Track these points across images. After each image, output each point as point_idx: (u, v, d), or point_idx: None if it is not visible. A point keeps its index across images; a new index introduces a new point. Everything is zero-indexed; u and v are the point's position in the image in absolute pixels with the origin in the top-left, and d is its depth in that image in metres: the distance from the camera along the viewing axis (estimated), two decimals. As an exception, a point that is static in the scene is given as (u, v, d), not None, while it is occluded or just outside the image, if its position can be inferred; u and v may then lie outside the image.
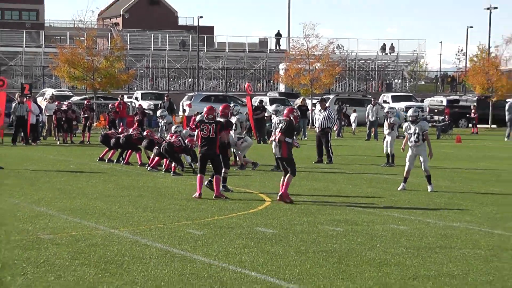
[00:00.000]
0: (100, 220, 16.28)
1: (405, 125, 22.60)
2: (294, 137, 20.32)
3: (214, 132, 20.10)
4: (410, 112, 22.81)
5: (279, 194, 19.26)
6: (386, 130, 30.26)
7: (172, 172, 25.25)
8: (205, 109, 20.68)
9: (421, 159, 21.86)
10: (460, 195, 21.26)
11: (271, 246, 13.77)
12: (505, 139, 48.84)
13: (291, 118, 19.99)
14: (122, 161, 29.12)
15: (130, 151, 29.08)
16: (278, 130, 19.84)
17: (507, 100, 67.17)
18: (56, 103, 44.87)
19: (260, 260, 12.61)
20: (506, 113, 50.47)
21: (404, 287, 11.05)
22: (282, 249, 13.52)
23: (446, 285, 11.19)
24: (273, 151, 20.79)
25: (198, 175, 20.26)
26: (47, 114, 43.54)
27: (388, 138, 29.76)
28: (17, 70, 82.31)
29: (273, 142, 20.96)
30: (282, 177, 19.48)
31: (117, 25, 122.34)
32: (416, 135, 21.90)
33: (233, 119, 26.46)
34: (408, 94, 73.91)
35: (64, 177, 24.98)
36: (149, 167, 26.77)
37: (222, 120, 21.00)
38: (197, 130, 21.26)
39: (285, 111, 20.50)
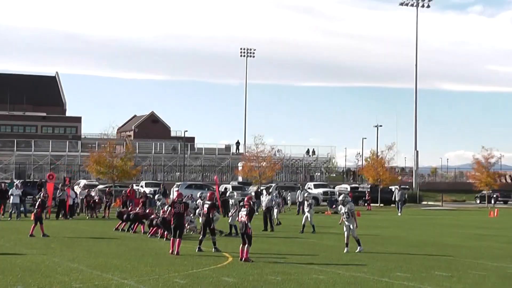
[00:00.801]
0: (115, 273, 15.91)
1: (339, 206, 22.38)
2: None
3: (183, 209, 20.72)
4: (341, 197, 22.60)
5: (244, 258, 18.66)
6: (306, 208, 30.13)
7: (165, 238, 24.84)
8: (175, 194, 20.93)
9: (351, 228, 21.60)
10: (360, 253, 21.08)
11: (232, 291, 13.50)
12: (399, 214, 48.92)
13: (251, 203, 19.76)
14: (131, 230, 28.67)
15: (137, 223, 28.66)
16: (244, 213, 19.19)
17: (390, 187, 67.72)
18: (86, 190, 44.40)
19: (224, 302, 12.33)
20: (396, 196, 51.24)
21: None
22: (239, 293, 13.25)
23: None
24: (238, 226, 20.31)
25: (171, 238, 20.63)
26: (80, 197, 43.03)
27: (308, 214, 29.65)
28: (61, 167, 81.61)
29: (237, 219, 20.53)
30: (241, 245, 18.83)
31: (130, 136, 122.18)
32: (346, 213, 21.70)
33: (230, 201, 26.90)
34: (324, 183, 74.01)
35: (91, 241, 24.54)
36: (149, 235, 26.38)
37: (209, 202, 21.26)
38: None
39: (246, 198, 20.16)
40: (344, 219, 21.79)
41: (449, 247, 23.69)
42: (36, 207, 26.85)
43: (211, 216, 21.05)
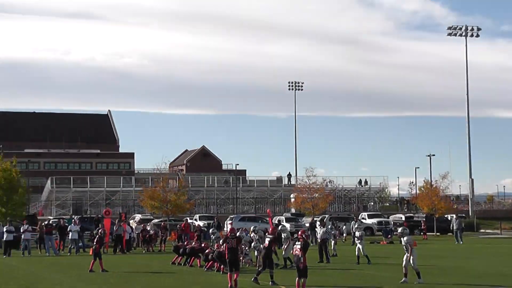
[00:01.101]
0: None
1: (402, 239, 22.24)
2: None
3: (236, 244, 20.94)
4: (400, 229, 22.62)
5: None
6: (357, 240, 30.01)
7: (221, 272, 24.88)
8: (229, 228, 21.09)
9: (411, 260, 21.39)
10: (419, 285, 20.76)
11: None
12: (456, 242, 48.21)
13: (305, 237, 19.69)
14: (187, 264, 28.81)
15: (193, 257, 28.80)
16: (298, 246, 19.13)
17: (446, 215, 66.74)
18: (142, 224, 44.87)
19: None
20: (454, 225, 50.34)
21: None
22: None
23: None
24: (293, 260, 20.34)
25: (228, 273, 20.84)
26: (136, 232, 43.47)
27: (360, 246, 29.44)
28: (117, 203, 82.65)
29: (292, 252, 20.59)
30: (297, 278, 18.80)
31: (182, 170, 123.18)
32: (404, 246, 21.55)
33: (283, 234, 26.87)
34: (378, 213, 73.30)
35: (149, 276, 24.74)
36: (205, 269, 26.45)
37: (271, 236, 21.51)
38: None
39: (300, 232, 20.11)
40: (404, 250, 21.66)
41: (510, 277, 23.16)
42: (94, 242, 27.24)
43: (272, 249, 21.25)
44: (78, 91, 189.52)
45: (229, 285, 20.43)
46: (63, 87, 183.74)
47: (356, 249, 29.71)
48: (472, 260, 31.38)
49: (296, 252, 19.15)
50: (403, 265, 21.48)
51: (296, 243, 19.79)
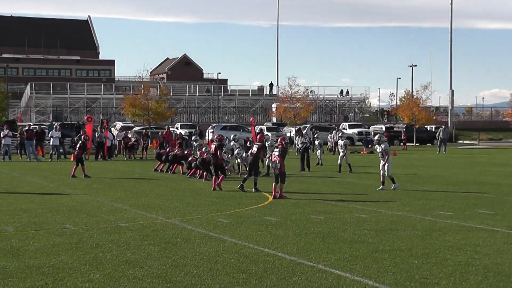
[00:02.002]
0: (159, 213, 16.07)
1: (375, 146, 22.61)
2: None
3: (215, 150, 21.91)
4: (376, 137, 22.85)
5: (279, 195, 19.11)
6: (341, 148, 30.15)
7: (204, 179, 24.99)
8: (211, 135, 21.13)
9: (386, 167, 21.66)
10: (400, 192, 21.02)
11: (276, 230, 13.55)
12: (438, 152, 48.72)
13: (284, 144, 19.82)
14: (170, 171, 28.89)
15: (175, 164, 28.84)
16: (276, 153, 19.51)
17: (426, 126, 67.20)
18: (124, 132, 44.72)
19: (269, 240, 12.40)
20: (440, 134, 50.54)
21: (369, 258, 10.83)
22: (283, 232, 13.30)
23: (397, 256, 10.97)
24: (271, 166, 20.56)
25: (213, 176, 21.85)
26: (118, 139, 43.37)
27: (342, 154, 29.57)
28: (97, 110, 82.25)
29: (270, 160, 20.92)
30: (274, 183, 19.32)
31: (163, 79, 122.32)
32: (380, 152, 21.82)
33: (267, 143, 26.74)
34: (359, 123, 73.71)
35: (131, 182, 24.77)
36: (188, 176, 26.53)
37: (259, 143, 21.48)
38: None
39: (279, 139, 20.30)
40: (379, 158, 21.89)
41: (490, 185, 23.47)
42: (77, 148, 27.09)
43: (259, 156, 21.32)
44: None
45: (212, 188, 20.86)
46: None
47: (339, 158, 29.86)
48: (451, 169, 31.73)
49: (274, 158, 19.36)
50: (380, 173, 21.76)
51: (275, 150, 19.99)
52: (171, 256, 10.90)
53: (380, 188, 21.58)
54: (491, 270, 9.98)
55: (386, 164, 21.67)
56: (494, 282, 9.32)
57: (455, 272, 9.85)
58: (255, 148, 21.40)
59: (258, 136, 22.70)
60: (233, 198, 19.16)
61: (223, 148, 23.05)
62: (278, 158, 19.26)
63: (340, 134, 31.07)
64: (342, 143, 30.12)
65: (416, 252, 11.26)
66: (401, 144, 58.31)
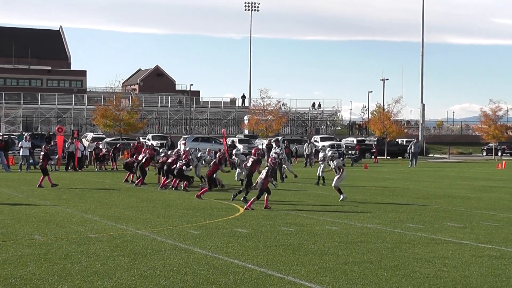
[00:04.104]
0: (129, 224, 16.00)
1: (330, 162, 23.06)
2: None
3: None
4: (329, 153, 23.82)
5: (264, 206, 19.48)
6: (320, 161, 30.23)
7: (174, 188, 24.91)
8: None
9: (335, 178, 22.34)
10: (370, 205, 21.15)
11: (246, 242, 13.56)
12: (410, 166, 49.10)
13: (257, 155, 19.99)
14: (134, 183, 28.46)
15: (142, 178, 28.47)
16: (265, 172, 19.58)
17: (397, 139, 67.73)
18: (95, 142, 44.49)
19: (240, 252, 12.40)
20: (412, 148, 50.98)
21: (338, 270, 10.88)
22: (254, 244, 13.31)
23: (367, 268, 11.03)
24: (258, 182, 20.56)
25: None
26: (89, 150, 43.12)
27: (322, 166, 29.66)
28: (68, 120, 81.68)
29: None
30: (267, 195, 19.54)
31: (135, 90, 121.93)
32: (334, 168, 22.52)
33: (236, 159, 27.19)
34: (330, 136, 74.10)
35: (102, 193, 24.63)
36: (159, 187, 26.36)
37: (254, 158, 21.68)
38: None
39: (253, 151, 20.43)
40: (334, 172, 22.67)
41: (459, 198, 23.71)
42: (41, 159, 26.89)
43: (253, 171, 21.46)
44: (28, 5, 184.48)
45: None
46: (13, 0, 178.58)
47: (318, 170, 29.85)
48: (421, 183, 32.00)
49: (262, 176, 19.39)
50: (333, 185, 22.52)
51: (249, 159, 20.33)
52: (140, 267, 10.86)
53: (341, 198, 22.03)
54: (459, 283, 10.07)
55: (339, 176, 22.26)
56: (462, 294, 9.42)
57: (423, 284, 9.93)
58: (250, 162, 21.60)
59: (253, 151, 22.74)
60: (204, 210, 19.13)
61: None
62: (264, 174, 19.46)
63: (320, 147, 30.90)
64: (321, 156, 29.84)
65: (386, 264, 11.34)
66: (372, 157, 58.68)
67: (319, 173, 29.54)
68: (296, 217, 17.77)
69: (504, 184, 31.43)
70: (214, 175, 22.86)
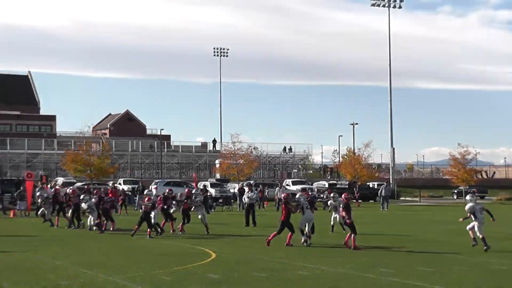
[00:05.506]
0: (100, 270, 15.88)
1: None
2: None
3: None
4: (297, 195, 24.59)
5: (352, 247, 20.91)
6: (335, 209, 27.36)
7: (148, 236, 24.72)
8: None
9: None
10: (343, 249, 21.19)
11: (218, 287, 13.53)
12: (381, 209, 49.27)
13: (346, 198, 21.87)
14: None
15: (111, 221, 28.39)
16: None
17: (368, 183, 68.15)
18: (66, 188, 44.05)
19: (213, 297, 12.37)
20: (382, 192, 51.32)
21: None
22: (227, 289, 13.30)
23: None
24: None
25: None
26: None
27: (336, 215, 27.09)
28: (38, 165, 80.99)
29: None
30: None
31: (105, 134, 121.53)
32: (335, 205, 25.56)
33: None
34: (302, 180, 74.28)
35: (74, 239, 24.41)
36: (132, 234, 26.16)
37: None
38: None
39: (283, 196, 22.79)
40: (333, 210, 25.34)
41: (431, 242, 23.88)
42: None
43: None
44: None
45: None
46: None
47: (332, 219, 27.71)
48: (393, 226, 32.19)
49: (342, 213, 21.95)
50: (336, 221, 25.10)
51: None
52: (112, 314, 10.79)
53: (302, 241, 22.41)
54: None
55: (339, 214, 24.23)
56: (434, 338, 9.49)
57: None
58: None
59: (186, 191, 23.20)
60: (176, 256, 19.07)
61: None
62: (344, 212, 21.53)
63: (332, 195, 28.01)
64: (332, 203, 27.46)
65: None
66: (355, 201, 58.67)
67: (336, 221, 27.28)
68: (267, 262, 17.77)
69: (474, 227, 31.66)
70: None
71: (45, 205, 29.63)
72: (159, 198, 27.09)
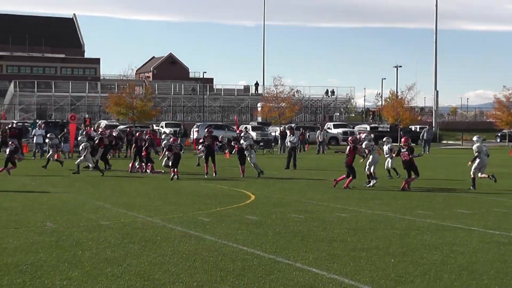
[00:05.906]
0: (140, 211, 16.14)
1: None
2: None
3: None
4: (384, 138, 26.48)
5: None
6: (386, 154, 26.64)
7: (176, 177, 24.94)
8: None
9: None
10: (381, 192, 21.20)
11: (256, 229, 13.66)
12: (423, 152, 48.79)
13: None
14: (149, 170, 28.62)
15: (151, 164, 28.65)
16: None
17: (410, 126, 67.54)
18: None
19: (249, 239, 12.50)
20: (424, 135, 51.05)
21: (346, 257, 10.95)
22: (263, 231, 13.40)
23: (374, 255, 11.10)
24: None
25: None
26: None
27: (390, 160, 26.58)
28: (82, 108, 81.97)
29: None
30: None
31: (148, 77, 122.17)
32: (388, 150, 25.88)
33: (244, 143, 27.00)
34: (344, 123, 73.97)
35: (114, 180, 24.82)
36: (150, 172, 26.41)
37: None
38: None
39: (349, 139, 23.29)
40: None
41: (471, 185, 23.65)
42: (7, 153, 27.09)
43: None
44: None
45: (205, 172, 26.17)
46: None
47: (386, 163, 26.93)
48: (434, 170, 31.95)
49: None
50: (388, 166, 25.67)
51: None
52: (150, 254, 10.98)
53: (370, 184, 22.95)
54: (465, 269, 10.13)
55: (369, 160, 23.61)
56: (467, 281, 9.47)
57: (430, 271, 9.99)
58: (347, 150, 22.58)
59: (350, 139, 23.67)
60: (215, 197, 19.26)
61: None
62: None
63: (385, 139, 27.14)
64: (387, 148, 26.52)
65: (393, 251, 11.41)
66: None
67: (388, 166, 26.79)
68: (306, 204, 17.86)
69: (516, 171, 31.31)
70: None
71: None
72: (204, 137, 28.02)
